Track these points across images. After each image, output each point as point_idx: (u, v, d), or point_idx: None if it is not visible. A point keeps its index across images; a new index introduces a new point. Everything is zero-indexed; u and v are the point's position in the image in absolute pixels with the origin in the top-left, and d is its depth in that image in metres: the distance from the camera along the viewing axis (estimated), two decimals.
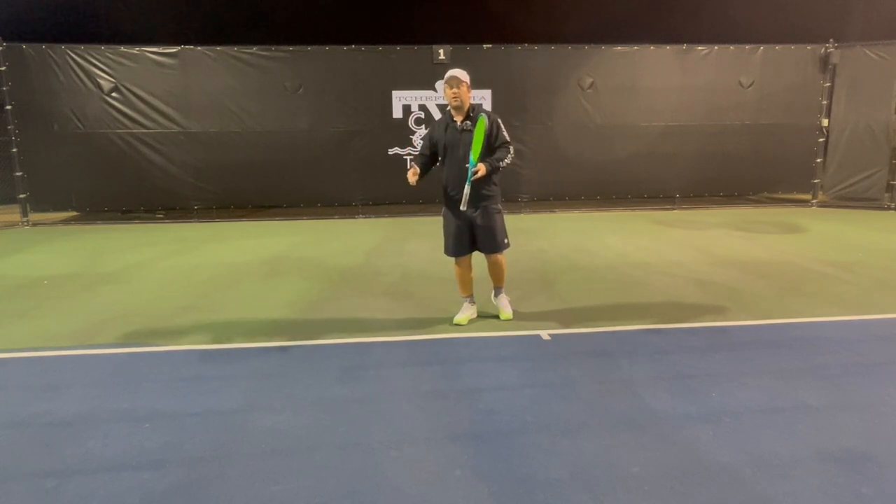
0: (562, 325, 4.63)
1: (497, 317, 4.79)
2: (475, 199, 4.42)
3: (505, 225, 4.65)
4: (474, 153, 4.29)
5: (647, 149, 11.09)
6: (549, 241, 8.09)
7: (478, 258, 4.73)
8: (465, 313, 4.73)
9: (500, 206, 4.60)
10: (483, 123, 4.31)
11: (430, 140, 4.56)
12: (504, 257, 4.71)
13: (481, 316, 4.82)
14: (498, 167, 4.42)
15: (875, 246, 7.48)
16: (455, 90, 4.33)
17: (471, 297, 4.80)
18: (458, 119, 4.43)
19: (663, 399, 3.33)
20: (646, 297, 5.40)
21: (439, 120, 4.64)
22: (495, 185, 4.55)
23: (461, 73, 4.36)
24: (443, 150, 4.49)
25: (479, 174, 4.28)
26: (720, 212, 10.73)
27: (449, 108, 4.47)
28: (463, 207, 4.32)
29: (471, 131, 4.36)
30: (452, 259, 4.72)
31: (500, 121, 4.48)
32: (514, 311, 4.83)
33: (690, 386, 3.51)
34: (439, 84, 10.45)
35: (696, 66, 10.95)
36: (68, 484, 2.61)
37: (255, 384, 3.63)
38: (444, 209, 4.65)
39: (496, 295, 4.86)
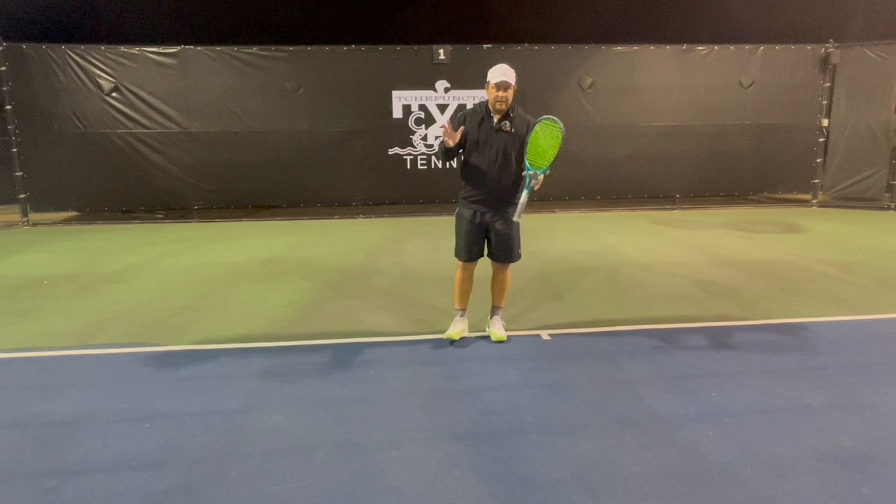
0: (562, 325, 4.63)
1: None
2: (502, 205, 4.14)
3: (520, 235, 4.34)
4: (535, 159, 3.90)
5: (647, 149, 11.09)
6: (549, 241, 8.08)
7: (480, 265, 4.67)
8: (458, 327, 4.35)
9: None
10: (553, 132, 3.92)
11: (460, 127, 4.07)
12: (509, 272, 4.45)
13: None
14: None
15: (875, 246, 7.48)
16: (503, 93, 3.97)
17: (464, 311, 4.44)
18: (497, 117, 4.06)
19: (663, 399, 3.33)
20: (646, 297, 5.40)
21: (473, 110, 4.19)
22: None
23: (510, 75, 4.00)
24: (473, 144, 4.10)
25: (539, 184, 3.91)
26: (720, 212, 10.73)
27: (481, 102, 4.17)
28: (516, 218, 4.01)
29: (510, 132, 4.04)
30: (456, 261, 4.37)
31: None
32: (514, 312, 4.81)
33: (690, 386, 3.50)
34: (439, 84, 10.46)
35: (696, 66, 10.95)
36: (68, 484, 2.61)
37: (255, 384, 3.63)
38: (458, 209, 4.27)
39: (492, 316, 4.46)
